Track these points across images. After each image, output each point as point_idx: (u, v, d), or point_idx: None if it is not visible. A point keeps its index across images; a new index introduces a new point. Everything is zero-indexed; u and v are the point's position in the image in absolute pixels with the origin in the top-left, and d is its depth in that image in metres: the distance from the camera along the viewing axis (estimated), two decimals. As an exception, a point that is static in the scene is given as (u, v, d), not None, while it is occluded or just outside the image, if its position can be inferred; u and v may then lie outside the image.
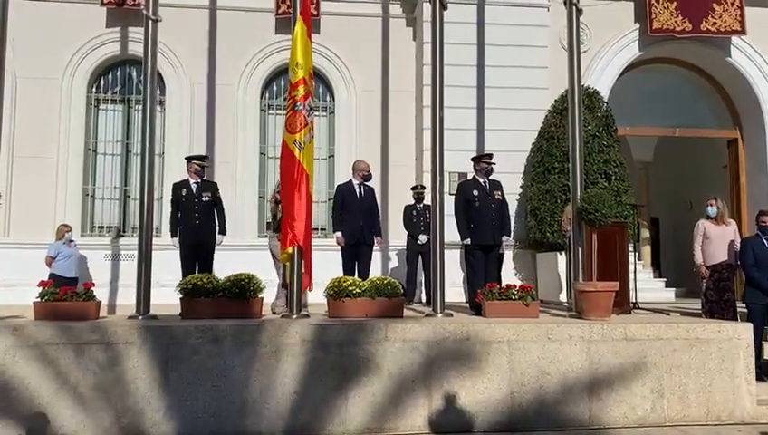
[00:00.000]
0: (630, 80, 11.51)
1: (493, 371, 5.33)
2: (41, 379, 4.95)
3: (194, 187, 7.70)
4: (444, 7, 6.58)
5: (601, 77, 10.96)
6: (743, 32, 11.15)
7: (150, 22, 6.45)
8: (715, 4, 10.96)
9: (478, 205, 7.49)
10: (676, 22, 10.84)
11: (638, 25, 11.19)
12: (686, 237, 13.54)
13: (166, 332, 5.20)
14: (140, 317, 5.99)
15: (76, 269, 9.52)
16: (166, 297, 6.85)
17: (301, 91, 6.17)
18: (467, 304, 8.62)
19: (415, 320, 5.77)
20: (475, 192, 7.57)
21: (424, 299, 9.49)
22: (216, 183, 8.08)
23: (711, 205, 7.25)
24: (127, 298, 7.87)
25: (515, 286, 6.28)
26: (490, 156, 7.77)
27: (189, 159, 7.95)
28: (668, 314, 7.37)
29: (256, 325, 5.35)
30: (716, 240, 7.05)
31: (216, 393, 5.08)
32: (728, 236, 7.13)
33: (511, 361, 5.36)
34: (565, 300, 8.83)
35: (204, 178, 7.92)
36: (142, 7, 6.72)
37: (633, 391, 5.41)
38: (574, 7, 6.74)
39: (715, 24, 10.97)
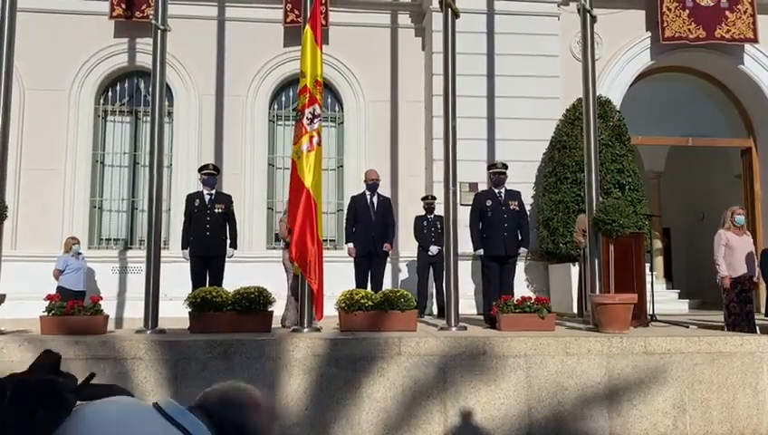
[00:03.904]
0: (642, 88, 11.39)
1: (509, 386, 5.19)
2: (47, 395, 4.84)
3: (207, 198, 7.61)
4: (456, 16, 6.49)
5: (613, 86, 10.85)
6: (755, 40, 11.04)
7: (159, 31, 6.39)
8: (728, 12, 10.85)
9: (491, 215, 7.38)
10: (689, 29, 10.73)
11: (649, 34, 11.08)
12: (697, 248, 13.44)
13: (174, 347, 5.09)
14: (148, 332, 5.90)
15: (84, 282, 9.43)
16: (174, 310, 6.74)
17: (303, 99, 6.08)
18: (479, 316, 8.49)
19: (429, 334, 5.64)
20: (489, 202, 7.46)
21: (435, 311, 9.36)
22: (230, 195, 7.99)
23: (740, 214, 7.08)
24: (134, 311, 7.78)
25: (531, 299, 6.14)
26: (500, 165, 7.66)
27: (198, 170, 7.93)
28: (687, 327, 7.21)
29: (266, 340, 5.23)
30: (739, 251, 6.88)
31: (225, 410, 4.95)
32: (748, 246, 6.98)
33: (528, 375, 5.21)
34: (577, 312, 8.68)
35: (218, 190, 7.85)
36: (151, 17, 6.67)
37: (654, 406, 5.26)
38: (588, 14, 6.63)
39: (728, 31, 10.86)
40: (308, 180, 5.85)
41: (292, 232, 7.23)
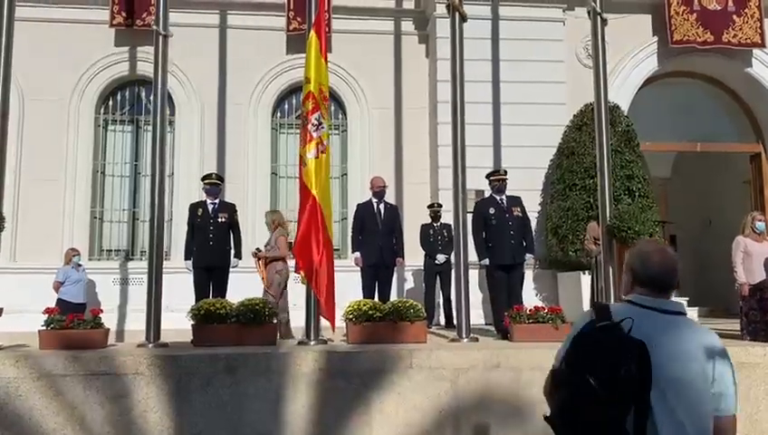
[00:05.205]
0: (649, 94, 11.24)
1: (525, 399, 5.00)
2: (44, 413, 4.66)
3: (210, 207, 7.48)
4: (464, 19, 6.35)
5: (620, 91, 10.67)
6: (762, 44, 10.91)
7: (161, 37, 6.26)
8: (735, 16, 10.72)
9: (495, 223, 7.23)
10: (697, 33, 10.59)
11: (656, 38, 10.94)
12: (705, 255, 13.24)
13: (177, 361, 4.92)
14: (150, 345, 5.74)
15: (84, 294, 9.26)
16: (177, 323, 6.56)
17: (308, 105, 5.96)
18: (488, 326, 8.32)
19: (440, 346, 5.47)
20: (492, 210, 7.31)
21: (442, 321, 9.18)
22: (233, 205, 7.86)
23: (761, 220, 6.89)
24: (136, 323, 7.62)
25: (544, 308, 5.97)
26: (502, 171, 7.52)
27: (201, 179, 7.82)
28: (703, 336, 6.99)
29: (272, 353, 5.07)
30: (758, 257, 6.68)
31: (230, 426, 4.78)
32: (767, 252, 6.78)
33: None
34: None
35: (221, 200, 7.72)
36: (152, 24, 6.55)
37: (675, 419, 5.06)
38: (599, 17, 6.50)
39: (735, 36, 10.72)
40: (314, 187, 5.70)
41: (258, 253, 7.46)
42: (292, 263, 7.90)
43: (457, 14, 6.36)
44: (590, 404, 1.86)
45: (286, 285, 7.69)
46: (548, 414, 2.03)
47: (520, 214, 7.36)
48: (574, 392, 1.90)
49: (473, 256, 6.70)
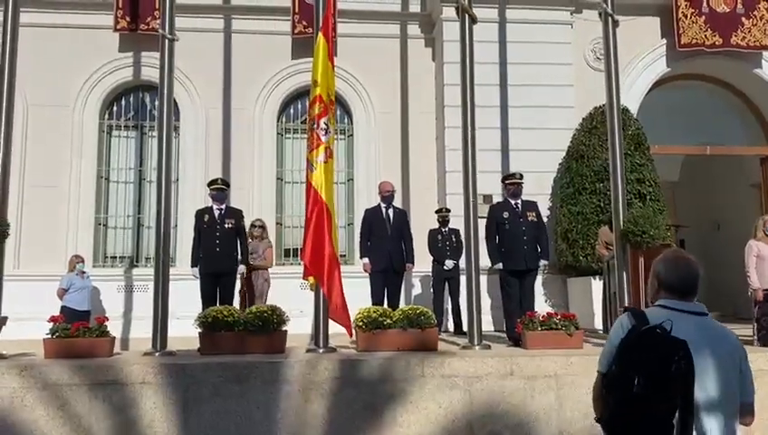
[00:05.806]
0: (658, 97, 11.13)
1: (539, 408, 4.91)
2: (50, 424, 4.57)
3: (216, 213, 7.41)
4: (474, 21, 6.26)
5: (629, 94, 10.55)
6: (771, 47, 10.80)
7: (167, 41, 6.19)
8: (744, 18, 10.62)
9: (509, 227, 7.11)
10: (705, 36, 10.49)
11: (665, 41, 10.84)
12: (713, 259, 13.09)
13: (184, 370, 4.83)
14: (157, 354, 5.65)
15: (89, 302, 9.17)
16: (183, 330, 6.47)
17: (315, 109, 5.87)
18: (497, 333, 8.22)
19: (452, 354, 5.37)
20: (506, 214, 7.19)
21: (451, 328, 9.07)
22: (240, 211, 7.79)
23: None
24: (141, 331, 7.54)
25: (557, 315, 5.86)
26: (518, 175, 7.41)
27: (207, 185, 7.75)
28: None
29: (281, 362, 4.97)
30: (770, 261, 6.56)
31: (239, 437, 4.68)
32: (780, 256, 6.65)
33: (559, 396, 4.93)
34: (601, 327, 8.38)
35: (228, 206, 7.65)
36: (158, 28, 6.48)
37: (693, 428, 4.95)
38: (610, 18, 6.41)
39: (744, 38, 10.62)
40: (323, 192, 5.62)
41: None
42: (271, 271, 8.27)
43: (467, 16, 6.27)
44: (642, 403, 1.98)
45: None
46: (599, 417, 2.20)
47: (535, 219, 7.24)
48: (627, 394, 2.00)
49: (484, 261, 6.59)
